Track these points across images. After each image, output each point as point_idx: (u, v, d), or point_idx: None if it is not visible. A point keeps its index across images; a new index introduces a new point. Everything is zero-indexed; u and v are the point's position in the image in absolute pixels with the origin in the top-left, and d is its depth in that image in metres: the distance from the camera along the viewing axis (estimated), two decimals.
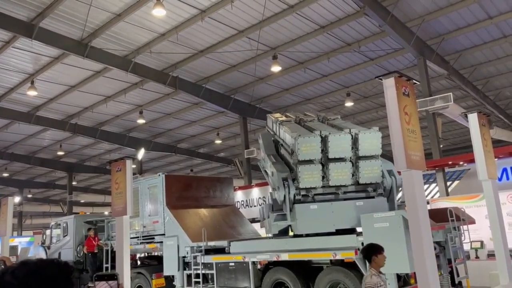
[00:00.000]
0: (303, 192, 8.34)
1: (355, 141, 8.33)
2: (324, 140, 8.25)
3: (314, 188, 8.33)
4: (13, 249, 22.31)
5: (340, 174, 8.30)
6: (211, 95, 18.95)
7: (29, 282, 1.40)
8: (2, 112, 19.82)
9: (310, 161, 8.27)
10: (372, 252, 4.94)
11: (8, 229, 12.83)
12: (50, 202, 40.34)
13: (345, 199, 8.42)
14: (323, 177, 8.30)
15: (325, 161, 8.33)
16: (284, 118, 10.80)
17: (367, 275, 4.90)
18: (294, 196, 8.29)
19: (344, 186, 8.42)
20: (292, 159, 8.62)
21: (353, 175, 8.38)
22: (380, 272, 4.91)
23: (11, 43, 14.23)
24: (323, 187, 8.37)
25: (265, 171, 10.31)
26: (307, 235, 8.56)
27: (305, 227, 8.32)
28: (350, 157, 8.37)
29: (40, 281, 1.42)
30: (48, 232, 16.29)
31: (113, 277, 1.86)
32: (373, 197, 8.48)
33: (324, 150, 8.27)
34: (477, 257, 11.16)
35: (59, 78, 17.33)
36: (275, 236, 9.31)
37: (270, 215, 8.82)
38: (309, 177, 8.21)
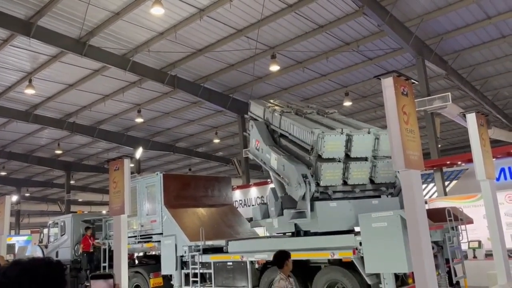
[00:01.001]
0: (321, 189, 8.24)
1: (375, 141, 8.39)
2: (348, 139, 8.28)
3: (333, 186, 8.31)
4: (11, 247, 22.25)
5: (359, 173, 8.42)
6: (209, 94, 18.93)
7: (22, 281, 1.39)
8: (0, 110, 19.77)
9: (333, 159, 8.25)
10: (284, 257, 5.44)
11: (6, 228, 12.81)
12: (48, 201, 40.26)
13: (360, 198, 8.47)
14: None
15: (345, 159, 8.35)
16: (278, 107, 10.42)
17: (277, 279, 5.34)
18: (313, 194, 8.19)
19: (362, 185, 8.50)
20: (312, 154, 8.38)
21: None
22: (289, 276, 5.47)
23: (9, 41, 14.19)
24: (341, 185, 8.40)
25: (263, 161, 9.87)
26: (305, 234, 8.55)
27: (324, 224, 8.16)
28: (368, 157, 8.47)
29: (32, 280, 1.40)
30: (45, 231, 16.25)
31: (110, 276, 1.85)
32: (379, 196, 8.62)
33: (346, 149, 8.29)
34: (475, 257, 11.17)
35: (57, 77, 17.29)
36: (283, 235, 9.15)
37: (285, 212, 8.50)
38: (331, 175, 8.20)
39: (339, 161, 8.30)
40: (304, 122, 9.16)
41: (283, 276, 5.33)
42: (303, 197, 8.05)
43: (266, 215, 9.43)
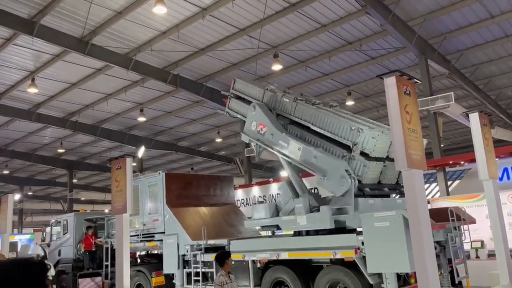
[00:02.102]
0: (358, 186, 8.03)
1: None
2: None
3: (370, 184, 8.24)
4: (13, 245, 22.34)
5: (393, 174, 8.47)
6: (212, 93, 18.92)
7: None
8: (3, 109, 19.83)
9: (378, 159, 8.18)
10: (224, 257, 6.18)
11: (8, 227, 12.83)
12: (51, 199, 40.41)
13: (385, 196, 8.52)
14: None
15: (385, 159, 8.34)
16: (282, 93, 9.89)
17: (217, 275, 6.10)
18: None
19: (389, 184, 8.54)
20: (355, 151, 8.02)
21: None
22: (229, 273, 6.13)
23: (12, 40, 14.22)
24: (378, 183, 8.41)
25: (270, 147, 9.28)
26: (307, 233, 8.52)
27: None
28: None
29: (9, 283, 1.40)
30: (48, 229, 16.29)
31: (97, 275, 1.85)
32: (388, 196, 8.70)
33: (389, 149, 8.28)
34: (477, 257, 11.15)
35: (60, 76, 17.33)
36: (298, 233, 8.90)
37: (322, 208, 8.14)
38: (372, 173, 8.14)
39: (381, 161, 8.27)
40: (333, 115, 8.78)
41: (223, 273, 6.04)
42: (345, 193, 7.76)
43: (274, 213, 9.12)
